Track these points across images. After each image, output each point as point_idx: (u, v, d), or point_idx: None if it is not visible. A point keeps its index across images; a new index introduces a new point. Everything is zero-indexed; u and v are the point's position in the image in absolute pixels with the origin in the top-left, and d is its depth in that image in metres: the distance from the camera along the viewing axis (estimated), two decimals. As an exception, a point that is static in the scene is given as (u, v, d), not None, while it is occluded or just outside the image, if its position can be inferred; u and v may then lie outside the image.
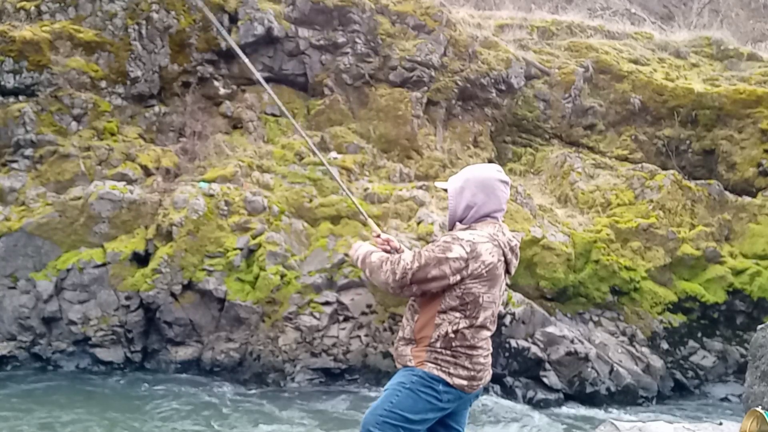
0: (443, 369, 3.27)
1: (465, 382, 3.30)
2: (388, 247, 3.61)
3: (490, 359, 3.43)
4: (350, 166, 12.90)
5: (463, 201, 3.40)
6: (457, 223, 3.42)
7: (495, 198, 3.39)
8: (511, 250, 3.39)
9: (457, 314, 3.27)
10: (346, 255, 11.30)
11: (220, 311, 11.10)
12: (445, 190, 3.50)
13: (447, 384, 3.27)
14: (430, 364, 3.28)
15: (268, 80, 14.00)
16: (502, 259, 3.33)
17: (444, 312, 3.28)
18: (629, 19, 19.49)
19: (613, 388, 10.84)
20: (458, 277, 3.22)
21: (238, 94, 13.83)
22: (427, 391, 3.27)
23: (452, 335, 3.27)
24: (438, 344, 3.29)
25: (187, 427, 8.76)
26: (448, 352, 3.28)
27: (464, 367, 3.29)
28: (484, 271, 3.25)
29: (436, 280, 3.22)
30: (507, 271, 3.40)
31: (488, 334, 3.39)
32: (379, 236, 3.66)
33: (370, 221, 3.85)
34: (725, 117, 14.33)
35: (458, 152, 14.06)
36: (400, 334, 3.44)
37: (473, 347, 3.31)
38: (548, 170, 14.19)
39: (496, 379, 10.71)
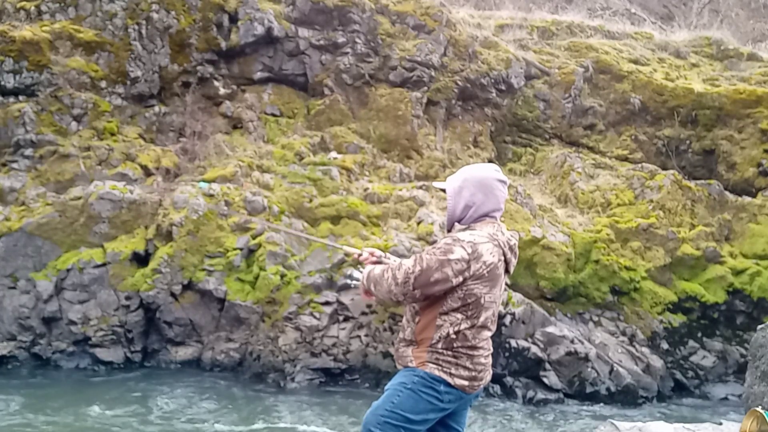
0: (444, 369, 3.28)
1: (466, 383, 3.30)
2: (374, 258, 3.64)
3: (490, 359, 3.44)
4: (350, 166, 12.89)
5: (462, 201, 3.39)
6: (456, 224, 3.42)
7: (493, 197, 3.39)
8: (511, 249, 3.39)
9: (459, 315, 3.27)
10: (347, 255, 11.31)
11: (220, 311, 11.11)
12: (443, 191, 3.50)
13: (448, 384, 3.27)
14: (431, 365, 3.29)
15: (268, 80, 14.04)
16: (502, 258, 3.34)
17: (445, 313, 3.28)
18: (629, 19, 19.49)
19: (613, 388, 10.83)
20: (460, 279, 3.22)
21: (238, 94, 13.83)
22: (429, 392, 3.27)
23: (454, 336, 3.27)
24: (439, 345, 3.29)
25: (187, 428, 8.76)
26: (450, 352, 3.28)
27: (465, 368, 3.29)
28: (485, 272, 3.25)
29: (439, 284, 3.21)
30: (506, 271, 3.40)
31: (489, 334, 3.39)
32: (360, 254, 3.68)
33: (345, 248, 4.02)
34: (725, 117, 14.33)
35: (458, 152, 14.06)
36: (401, 335, 3.44)
37: (474, 347, 3.31)
38: (548, 170, 14.19)
39: (496, 379, 10.70)
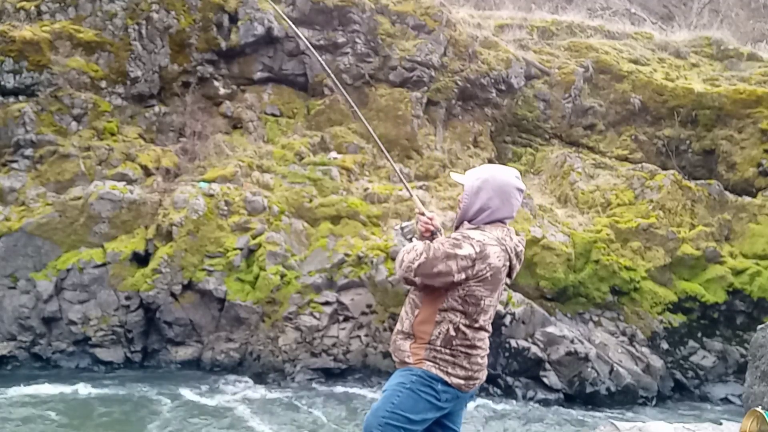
0: (442, 368, 3.29)
1: (462, 382, 3.32)
2: (431, 227, 3.52)
3: (486, 360, 3.44)
4: (350, 166, 12.89)
5: (478, 202, 3.37)
6: (465, 222, 3.41)
7: (509, 205, 3.38)
8: (517, 255, 3.39)
9: (458, 314, 3.28)
10: (347, 255, 11.31)
11: (220, 311, 11.11)
12: (461, 185, 3.47)
13: (445, 383, 3.28)
14: (428, 363, 3.29)
15: (268, 80, 14.02)
16: (507, 264, 3.34)
17: (445, 310, 3.29)
18: (629, 19, 19.50)
19: (613, 388, 10.83)
20: (463, 276, 3.22)
21: (238, 94, 13.84)
22: (427, 391, 3.28)
23: (453, 334, 3.28)
24: (438, 342, 3.29)
25: (187, 427, 8.76)
26: (448, 350, 3.29)
27: (462, 367, 3.31)
28: (488, 275, 3.25)
29: (441, 276, 3.21)
30: (508, 275, 3.40)
31: (486, 335, 3.40)
32: (423, 214, 3.57)
33: (416, 199, 3.78)
34: (725, 117, 14.33)
35: (458, 152, 14.07)
36: (398, 327, 3.44)
37: (473, 347, 3.32)
38: (548, 170, 14.19)
39: (497, 379, 10.71)
